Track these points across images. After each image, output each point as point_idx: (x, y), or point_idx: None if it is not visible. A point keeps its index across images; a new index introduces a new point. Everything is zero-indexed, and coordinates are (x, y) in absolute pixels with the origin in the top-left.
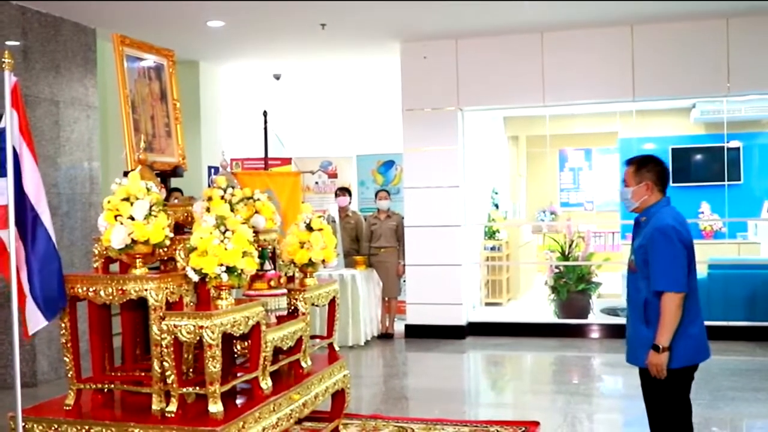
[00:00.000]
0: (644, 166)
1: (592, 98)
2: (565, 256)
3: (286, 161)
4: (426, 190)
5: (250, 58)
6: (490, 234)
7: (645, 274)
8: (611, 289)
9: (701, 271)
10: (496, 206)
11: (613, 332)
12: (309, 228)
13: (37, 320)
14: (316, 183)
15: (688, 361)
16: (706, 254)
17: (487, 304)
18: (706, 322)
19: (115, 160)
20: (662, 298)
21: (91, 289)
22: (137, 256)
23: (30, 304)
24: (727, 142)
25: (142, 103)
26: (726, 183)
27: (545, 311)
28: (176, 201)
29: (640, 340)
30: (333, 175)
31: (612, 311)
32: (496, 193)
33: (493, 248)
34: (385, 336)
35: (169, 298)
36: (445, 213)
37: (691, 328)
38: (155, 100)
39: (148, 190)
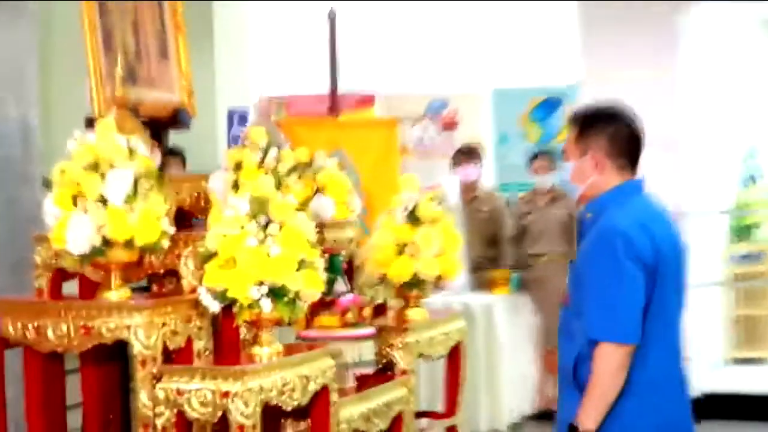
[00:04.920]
0: (591, 127)
1: None
2: None
3: (367, 101)
4: None
5: None
6: (741, 231)
7: (578, 309)
8: None
9: None
10: (753, 180)
11: None
12: (413, 219)
13: None
14: (420, 140)
15: None
16: None
17: (739, 360)
18: None
19: (66, 101)
20: (597, 352)
21: (29, 327)
22: (113, 267)
23: None
24: None
25: (117, 7)
26: None
27: None
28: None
29: (567, 419)
30: (450, 125)
31: None
32: (753, 158)
33: (747, 257)
34: (548, 415)
35: (168, 342)
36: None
37: (650, 406)
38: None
39: (132, 151)
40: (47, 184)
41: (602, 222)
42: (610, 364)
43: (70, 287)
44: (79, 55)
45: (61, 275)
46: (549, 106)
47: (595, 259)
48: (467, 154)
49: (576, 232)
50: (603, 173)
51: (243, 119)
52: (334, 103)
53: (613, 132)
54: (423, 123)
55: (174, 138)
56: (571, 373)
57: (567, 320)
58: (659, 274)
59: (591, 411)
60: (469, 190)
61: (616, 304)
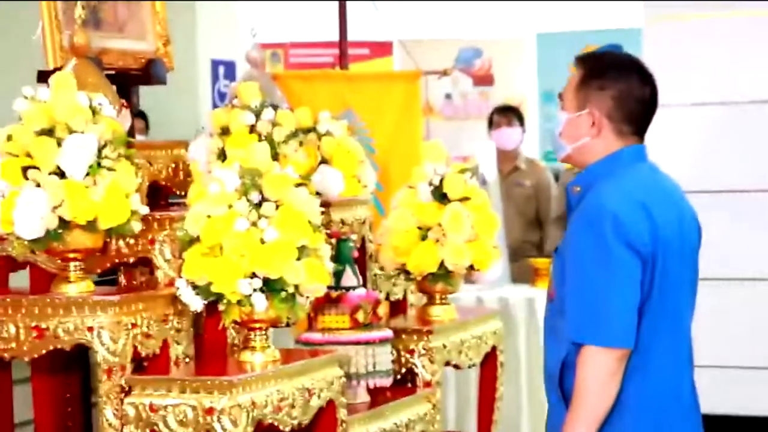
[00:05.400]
0: (599, 76)
1: None
2: None
3: (384, 48)
4: (699, 108)
5: None
6: None
7: (564, 305)
8: None
9: None
10: None
11: None
12: (440, 196)
13: None
14: (448, 97)
15: None
16: None
17: None
18: None
19: (10, 49)
20: (581, 357)
21: None
22: (72, 255)
23: None
24: None
25: None
26: None
27: None
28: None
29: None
30: (484, 80)
31: None
32: None
33: None
34: None
35: (139, 346)
36: (752, 164)
37: (650, 425)
38: None
39: (95, 111)
40: None
41: (590, 198)
42: (596, 371)
43: (19, 279)
44: None
45: (8, 265)
46: None
47: (580, 244)
48: (505, 115)
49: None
50: (599, 136)
51: (230, 71)
52: (343, 51)
53: (622, 89)
54: (451, 76)
55: (146, 95)
56: (557, 379)
57: (552, 317)
58: (661, 264)
59: (577, 427)
60: (507, 160)
61: (603, 298)
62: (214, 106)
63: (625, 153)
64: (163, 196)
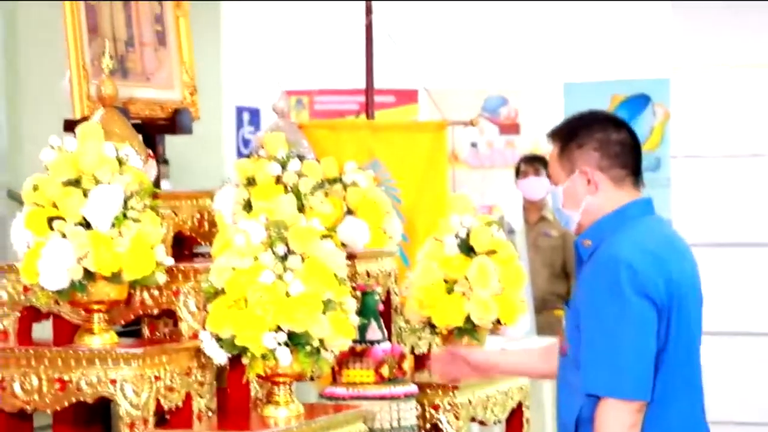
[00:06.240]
0: (574, 136)
1: None
2: None
3: (409, 96)
4: (725, 160)
5: None
6: None
7: (578, 359)
8: None
9: None
10: None
11: None
12: (466, 249)
13: None
14: (474, 146)
15: None
16: None
17: None
18: None
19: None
20: (598, 410)
21: None
22: (96, 307)
23: None
24: None
25: None
26: None
27: None
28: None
29: None
30: (510, 129)
31: None
32: None
33: None
34: None
35: (162, 400)
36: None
37: None
38: None
39: (121, 162)
40: (13, 197)
41: (603, 250)
42: (614, 424)
43: (43, 330)
44: (57, 40)
45: (31, 315)
46: (635, 104)
47: (595, 296)
48: (532, 164)
49: (574, 264)
50: (598, 191)
51: (255, 118)
52: (369, 100)
53: (600, 138)
54: (479, 124)
55: (170, 143)
56: None
57: (565, 371)
58: (675, 314)
59: None
60: (534, 210)
61: (620, 349)
62: (239, 152)
63: (633, 206)
64: (188, 246)
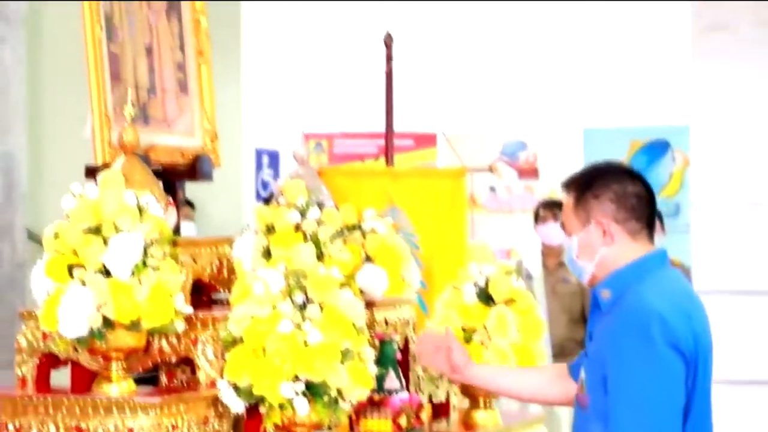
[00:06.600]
0: (590, 188)
1: None
2: None
3: (428, 140)
4: (745, 207)
5: None
6: None
7: (602, 411)
8: None
9: None
10: None
11: None
12: (485, 298)
13: None
14: (492, 190)
15: None
16: None
17: None
18: None
19: (61, 140)
20: None
21: (9, 427)
22: (114, 355)
23: None
24: None
25: (128, 23)
26: None
27: None
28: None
29: None
30: (529, 173)
31: None
32: None
33: None
34: None
35: None
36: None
37: None
38: (156, 16)
39: (142, 210)
40: (33, 238)
41: (629, 301)
42: None
43: (61, 377)
44: (80, 86)
45: (50, 362)
46: (654, 149)
47: (623, 347)
48: (551, 209)
49: (589, 317)
50: (613, 243)
51: (274, 161)
52: (389, 144)
53: (617, 189)
54: (497, 170)
55: (190, 189)
56: None
57: (584, 424)
58: (702, 367)
59: None
60: (553, 255)
61: (653, 403)
62: (257, 195)
63: (652, 258)
64: (207, 292)
